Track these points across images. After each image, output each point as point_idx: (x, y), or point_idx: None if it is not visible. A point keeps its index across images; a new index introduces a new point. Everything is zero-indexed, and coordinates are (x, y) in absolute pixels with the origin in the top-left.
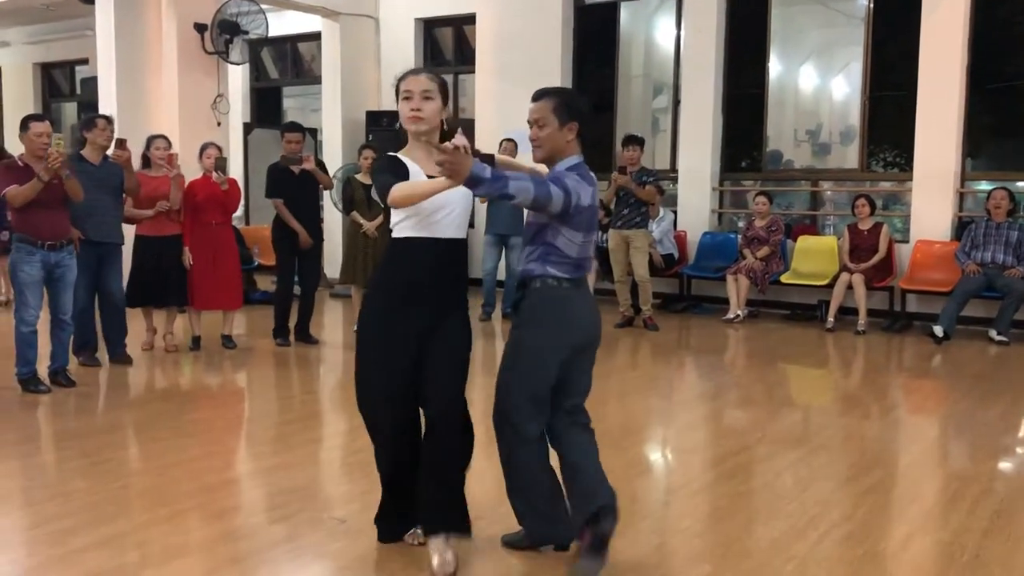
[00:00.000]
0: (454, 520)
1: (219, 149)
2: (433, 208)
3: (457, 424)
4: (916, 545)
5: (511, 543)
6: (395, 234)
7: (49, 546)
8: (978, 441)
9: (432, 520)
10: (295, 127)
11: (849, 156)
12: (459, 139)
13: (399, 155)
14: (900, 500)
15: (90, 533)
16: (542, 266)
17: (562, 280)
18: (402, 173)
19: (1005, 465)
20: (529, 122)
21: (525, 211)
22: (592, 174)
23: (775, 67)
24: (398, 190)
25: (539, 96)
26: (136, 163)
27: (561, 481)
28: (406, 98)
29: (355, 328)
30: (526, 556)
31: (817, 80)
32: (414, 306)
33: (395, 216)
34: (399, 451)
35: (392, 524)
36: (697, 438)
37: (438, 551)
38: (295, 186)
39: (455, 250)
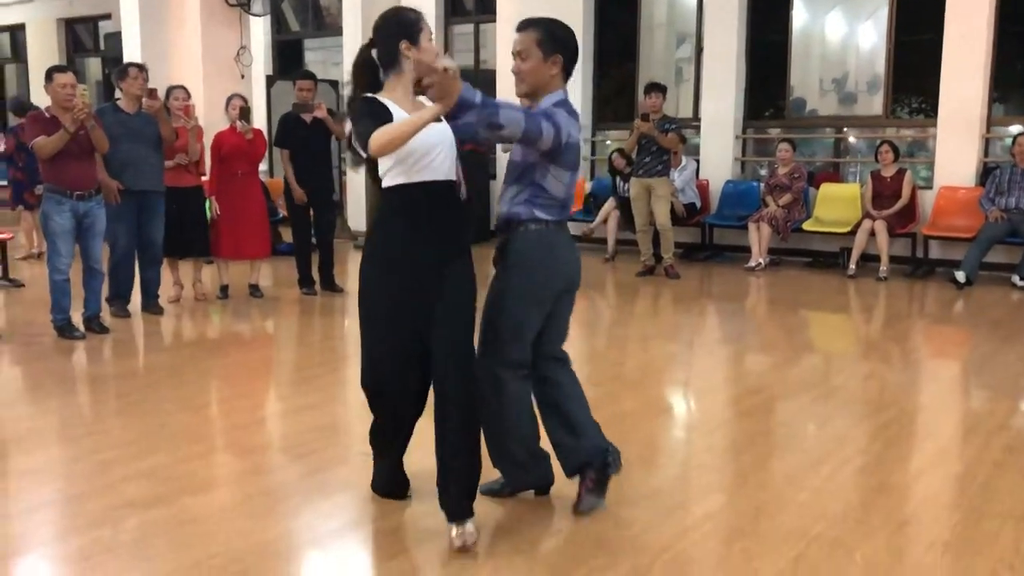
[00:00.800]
0: (471, 500)
1: (244, 100)
2: (424, 149)
3: (471, 386)
4: (928, 477)
5: (491, 492)
6: (385, 184)
7: (90, 477)
8: (995, 382)
9: (459, 509)
10: (307, 75)
11: (875, 104)
12: (446, 60)
13: (378, 96)
14: (914, 436)
15: (128, 466)
16: (529, 209)
17: (549, 223)
18: (386, 117)
19: (1019, 403)
20: (512, 54)
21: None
22: (577, 111)
23: (800, 15)
24: (378, 137)
25: (523, 27)
26: None
27: (544, 425)
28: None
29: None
30: (509, 503)
31: (844, 28)
32: (415, 260)
33: (382, 165)
34: (405, 421)
35: (394, 487)
36: (716, 380)
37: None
38: (305, 136)
39: (451, 192)
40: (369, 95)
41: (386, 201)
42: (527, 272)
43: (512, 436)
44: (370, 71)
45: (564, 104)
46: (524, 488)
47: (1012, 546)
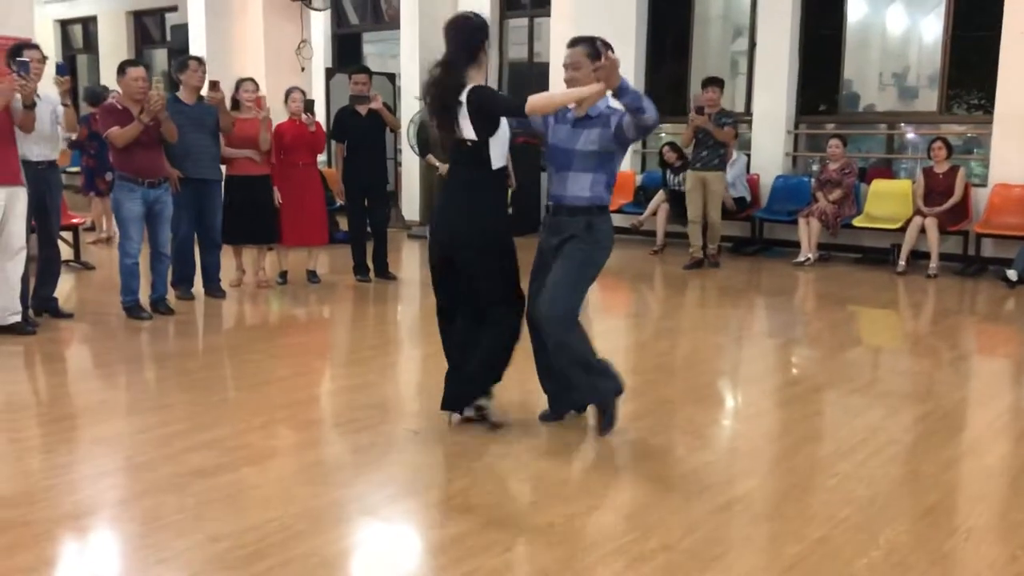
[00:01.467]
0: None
1: (303, 93)
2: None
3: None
4: (957, 467)
5: (545, 418)
6: (496, 166)
7: (156, 447)
8: None
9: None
10: (362, 69)
11: (935, 100)
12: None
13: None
14: (949, 429)
15: (193, 437)
16: (607, 194)
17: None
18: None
19: None
20: (564, 66)
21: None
22: None
23: (859, 8)
24: (538, 99)
25: (573, 44)
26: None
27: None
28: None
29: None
30: (558, 425)
31: (906, 21)
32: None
33: (495, 151)
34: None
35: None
36: (758, 370)
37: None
38: (361, 129)
39: None
40: (479, 84)
41: (496, 180)
42: (603, 250)
43: (561, 374)
44: (455, 70)
45: (613, 108)
46: (567, 411)
47: None
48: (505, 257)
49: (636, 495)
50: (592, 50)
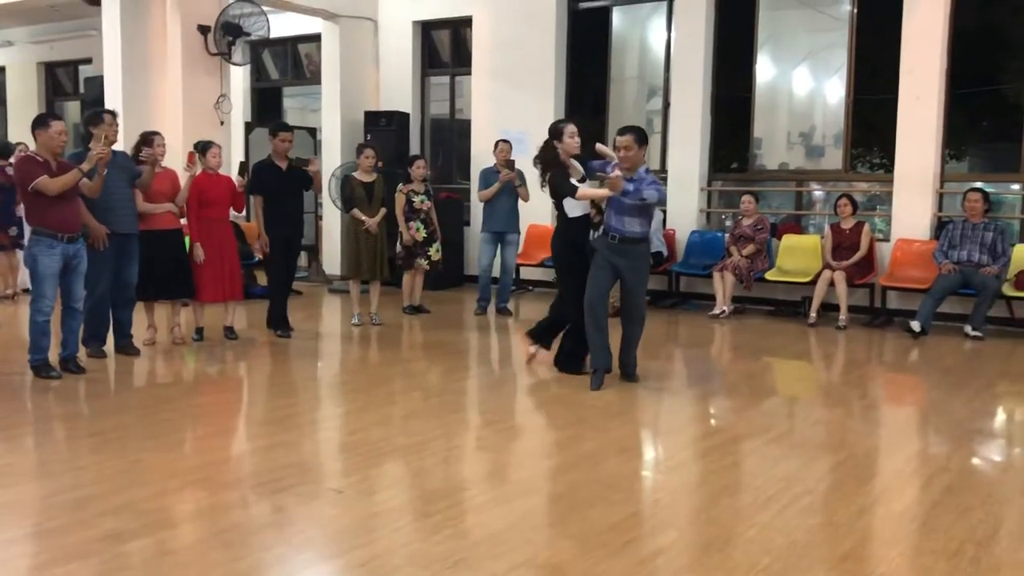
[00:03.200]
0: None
1: (220, 148)
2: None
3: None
4: (869, 515)
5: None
6: (571, 215)
7: (67, 511)
8: (941, 427)
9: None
10: (288, 127)
11: (840, 158)
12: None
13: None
14: (860, 477)
15: (106, 501)
16: (647, 229)
17: None
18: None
19: (962, 447)
20: (617, 147)
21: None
22: None
23: (767, 71)
24: (583, 191)
25: (623, 132)
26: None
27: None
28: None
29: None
30: (487, 481)
31: (811, 83)
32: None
33: (568, 206)
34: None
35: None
36: (677, 422)
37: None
38: (279, 184)
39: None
40: (554, 170)
41: (576, 224)
42: (648, 265)
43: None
44: (551, 154)
45: (647, 170)
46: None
47: None
48: (565, 268)
49: (561, 550)
50: (638, 137)
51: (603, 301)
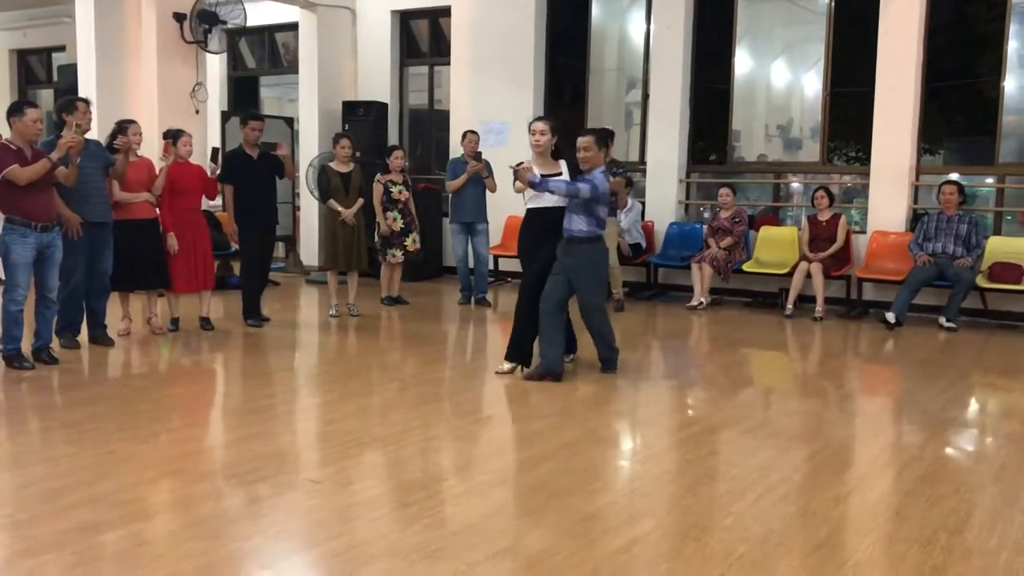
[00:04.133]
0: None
1: (191, 136)
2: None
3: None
4: (844, 504)
5: (530, 376)
6: (528, 206)
7: (40, 503)
8: (915, 417)
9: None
10: (258, 116)
11: (817, 151)
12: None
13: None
14: (835, 467)
15: (80, 492)
16: (592, 228)
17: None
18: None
19: (935, 437)
20: (578, 148)
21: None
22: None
23: (745, 63)
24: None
25: (584, 134)
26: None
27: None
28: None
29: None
30: (459, 473)
31: (788, 76)
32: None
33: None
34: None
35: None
36: (655, 412)
37: None
38: (250, 172)
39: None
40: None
41: (534, 214)
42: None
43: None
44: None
45: (603, 172)
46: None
47: (915, 567)
48: (520, 254)
49: (539, 539)
50: (598, 138)
51: (558, 309)
